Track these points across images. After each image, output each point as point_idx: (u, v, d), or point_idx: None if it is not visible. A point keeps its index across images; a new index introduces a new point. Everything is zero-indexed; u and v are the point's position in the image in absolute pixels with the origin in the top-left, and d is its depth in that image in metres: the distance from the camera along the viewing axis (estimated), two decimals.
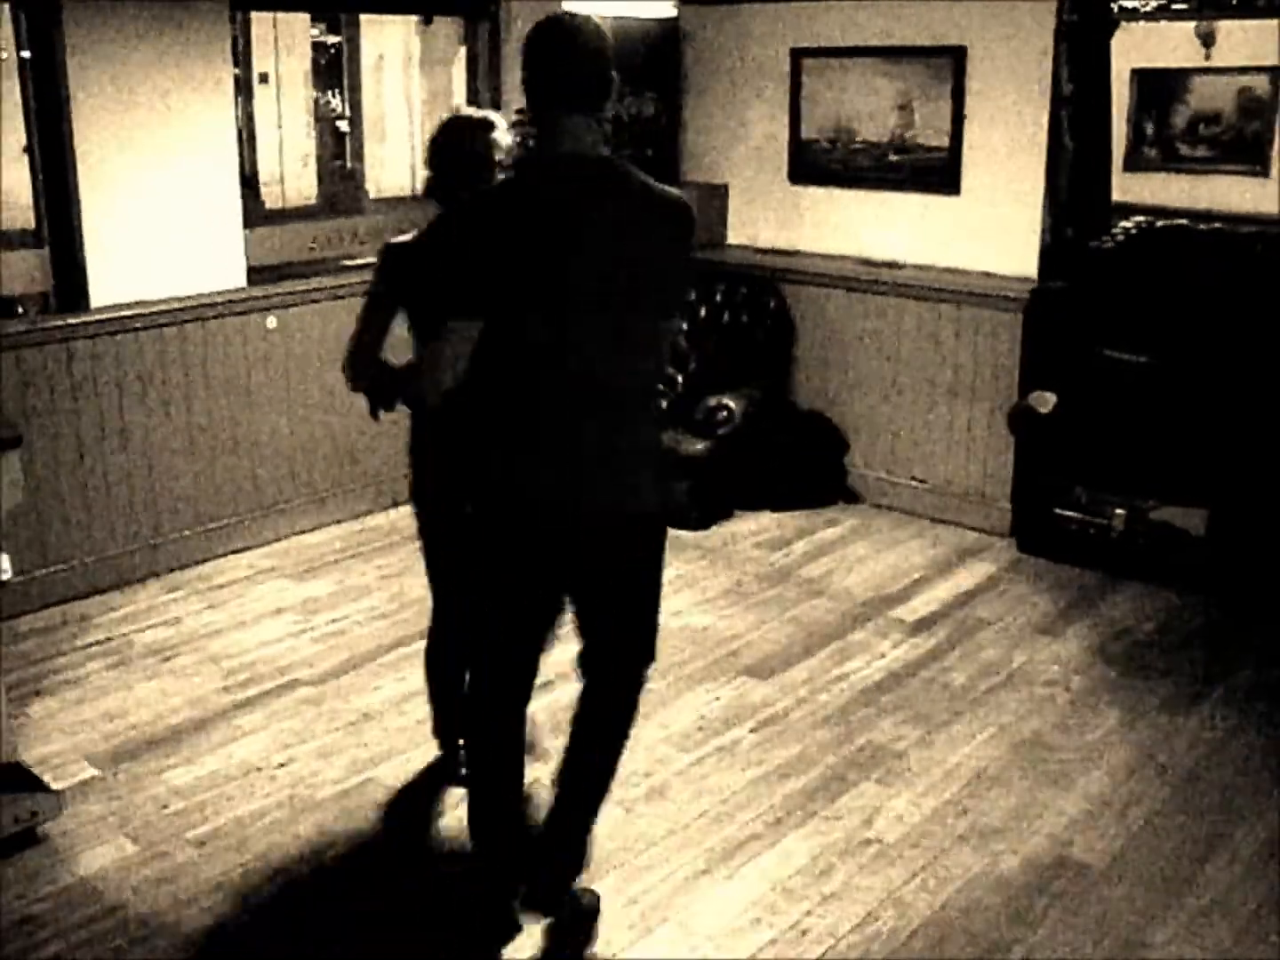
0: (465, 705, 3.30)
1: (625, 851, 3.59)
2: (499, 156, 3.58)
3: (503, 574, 3.05)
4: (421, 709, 4.34)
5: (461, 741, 3.73)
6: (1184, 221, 5.40)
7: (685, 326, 3.06)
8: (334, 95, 9.21)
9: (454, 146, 3.62)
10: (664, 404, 3.09)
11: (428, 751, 4.09)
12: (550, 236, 2.80)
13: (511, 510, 2.97)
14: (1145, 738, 4.21)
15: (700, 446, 5.93)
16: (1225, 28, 5.76)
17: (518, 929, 3.25)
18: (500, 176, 3.52)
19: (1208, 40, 5.91)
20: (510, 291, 2.83)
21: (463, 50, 6.86)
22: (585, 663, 3.29)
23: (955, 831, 3.68)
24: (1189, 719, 4.32)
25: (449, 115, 3.78)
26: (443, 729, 4.00)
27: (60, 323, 5.02)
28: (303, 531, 5.88)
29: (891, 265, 6.15)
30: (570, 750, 3.30)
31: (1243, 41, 5.67)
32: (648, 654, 3.28)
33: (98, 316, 5.10)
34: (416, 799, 3.88)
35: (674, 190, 3.01)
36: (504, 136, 3.64)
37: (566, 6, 5.87)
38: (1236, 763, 4.05)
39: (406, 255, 3.50)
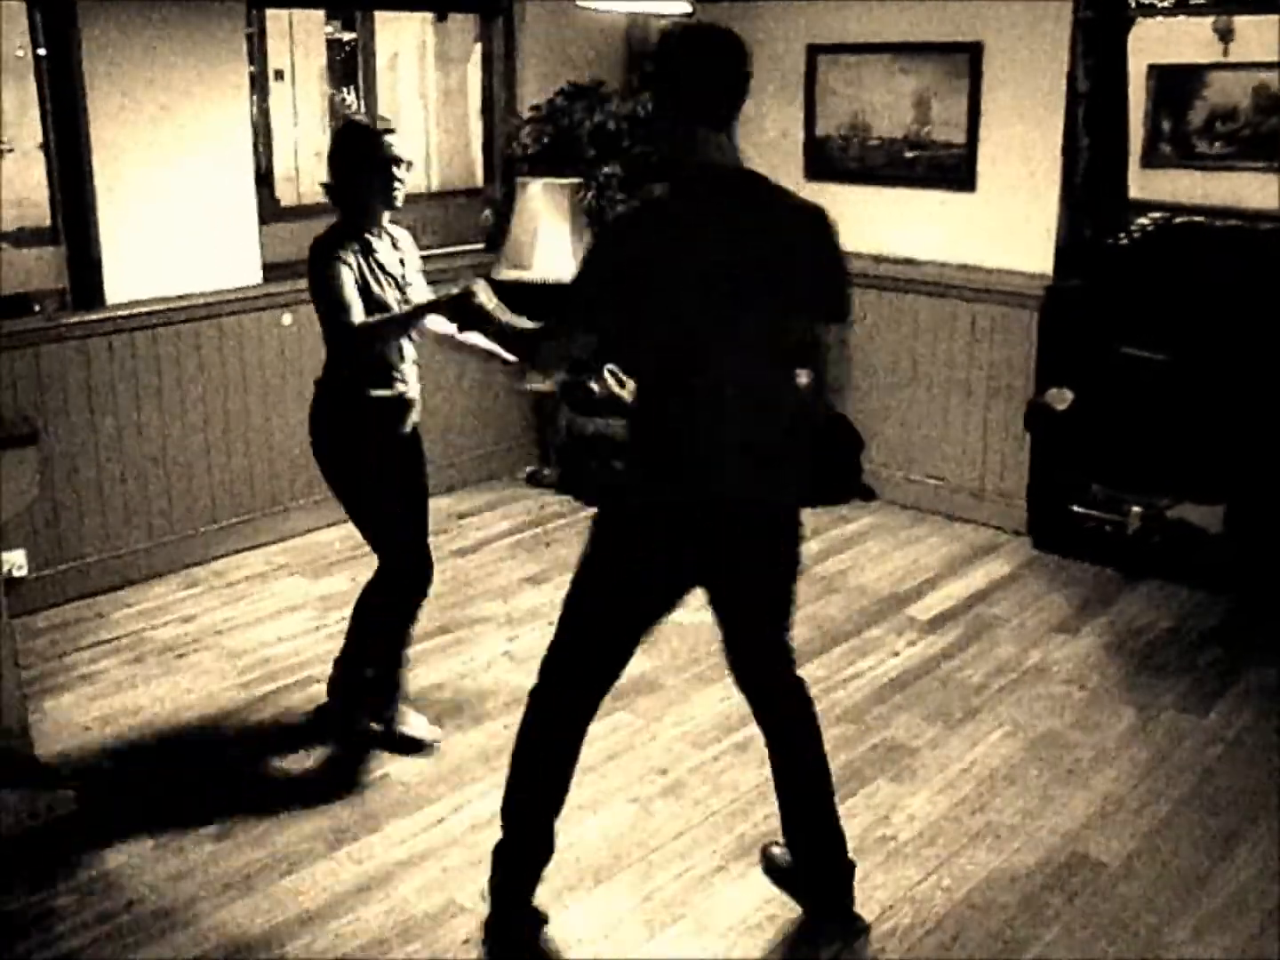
0: (540, 703, 3.27)
1: (640, 848, 3.59)
2: (397, 158, 3.81)
3: (639, 568, 3.09)
4: (437, 706, 4.35)
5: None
6: (1201, 218, 5.38)
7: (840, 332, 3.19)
8: (349, 92, 9.23)
9: (354, 149, 3.82)
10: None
11: (443, 749, 4.10)
12: (701, 248, 2.88)
13: (661, 505, 3.04)
14: (1161, 736, 4.20)
15: None
16: (1243, 23, 5.73)
17: (541, 920, 3.27)
18: (400, 179, 3.80)
19: (1225, 36, 5.89)
20: (664, 298, 2.90)
21: (478, 47, 6.87)
22: (735, 668, 3.37)
23: (970, 829, 3.67)
24: (1205, 717, 4.31)
25: (344, 121, 3.97)
26: (344, 682, 4.19)
27: (76, 320, 5.04)
28: (317, 528, 5.89)
29: (907, 262, 6.13)
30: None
31: (1261, 37, 5.64)
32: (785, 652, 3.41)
33: (113, 314, 5.11)
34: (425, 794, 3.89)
35: (809, 201, 3.07)
36: (399, 141, 3.84)
37: (581, 4, 5.87)
38: (1253, 761, 4.04)
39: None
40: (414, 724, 4.16)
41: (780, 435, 3.09)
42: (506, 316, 3.50)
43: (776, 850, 3.46)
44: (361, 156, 3.82)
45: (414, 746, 4.11)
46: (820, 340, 3.13)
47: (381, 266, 3.88)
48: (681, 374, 2.97)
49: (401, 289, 3.95)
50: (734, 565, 3.15)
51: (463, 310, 3.52)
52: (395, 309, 3.83)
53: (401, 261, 4.00)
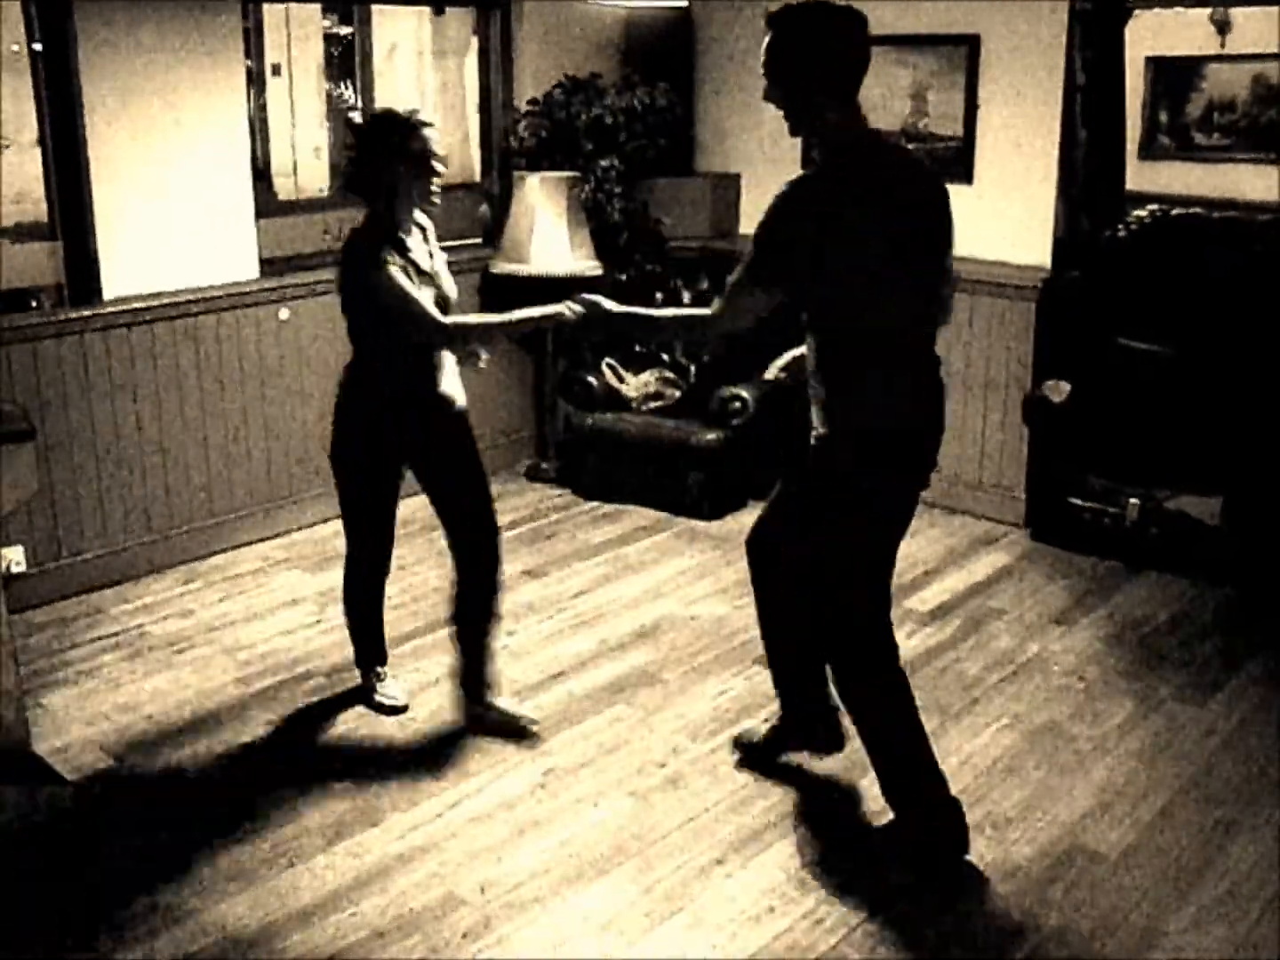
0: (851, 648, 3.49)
1: (639, 840, 3.59)
2: (433, 151, 3.73)
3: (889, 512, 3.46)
4: (436, 699, 4.36)
5: None
6: (1199, 210, 5.37)
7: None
8: (346, 86, 9.23)
9: (387, 142, 3.69)
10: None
11: (442, 742, 4.10)
12: (881, 216, 3.17)
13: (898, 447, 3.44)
14: (1160, 727, 4.20)
15: (714, 436, 5.92)
16: (1240, 14, 5.73)
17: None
18: (439, 174, 3.75)
19: (1223, 27, 5.89)
20: (858, 267, 3.14)
21: (475, 41, 6.86)
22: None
23: (970, 820, 3.66)
24: (1204, 708, 4.31)
25: (377, 111, 3.86)
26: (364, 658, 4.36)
27: (73, 315, 5.03)
28: (316, 523, 5.89)
29: None
30: None
31: (1258, 28, 5.64)
32: None
33: (111, 309, 5.11)
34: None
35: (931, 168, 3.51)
36: (437, 135, 3.76)
37: None
38: (1252, 752, 4.04)
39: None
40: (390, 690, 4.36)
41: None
42: (640, 311, 3.74)
43: (741, 736, 3.99)
44: (396, 149, 3.67)
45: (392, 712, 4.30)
46: None
47: (416, 265, 3.77)
48: (887, 337, 3.27)
49: (437, 285, 3.85)
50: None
51: (594, 324, 3.60)
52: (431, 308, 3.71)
53: (431, 255, 3.92)
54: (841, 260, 3.11)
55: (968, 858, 3.48)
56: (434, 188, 3.75)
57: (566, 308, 3.59)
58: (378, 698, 4.30)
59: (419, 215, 3.89)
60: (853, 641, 3.44)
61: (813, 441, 3.42)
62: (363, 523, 4.15)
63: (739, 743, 4.01)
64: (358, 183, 3.76)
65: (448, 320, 3.68)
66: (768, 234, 3.17)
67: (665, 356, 6.43)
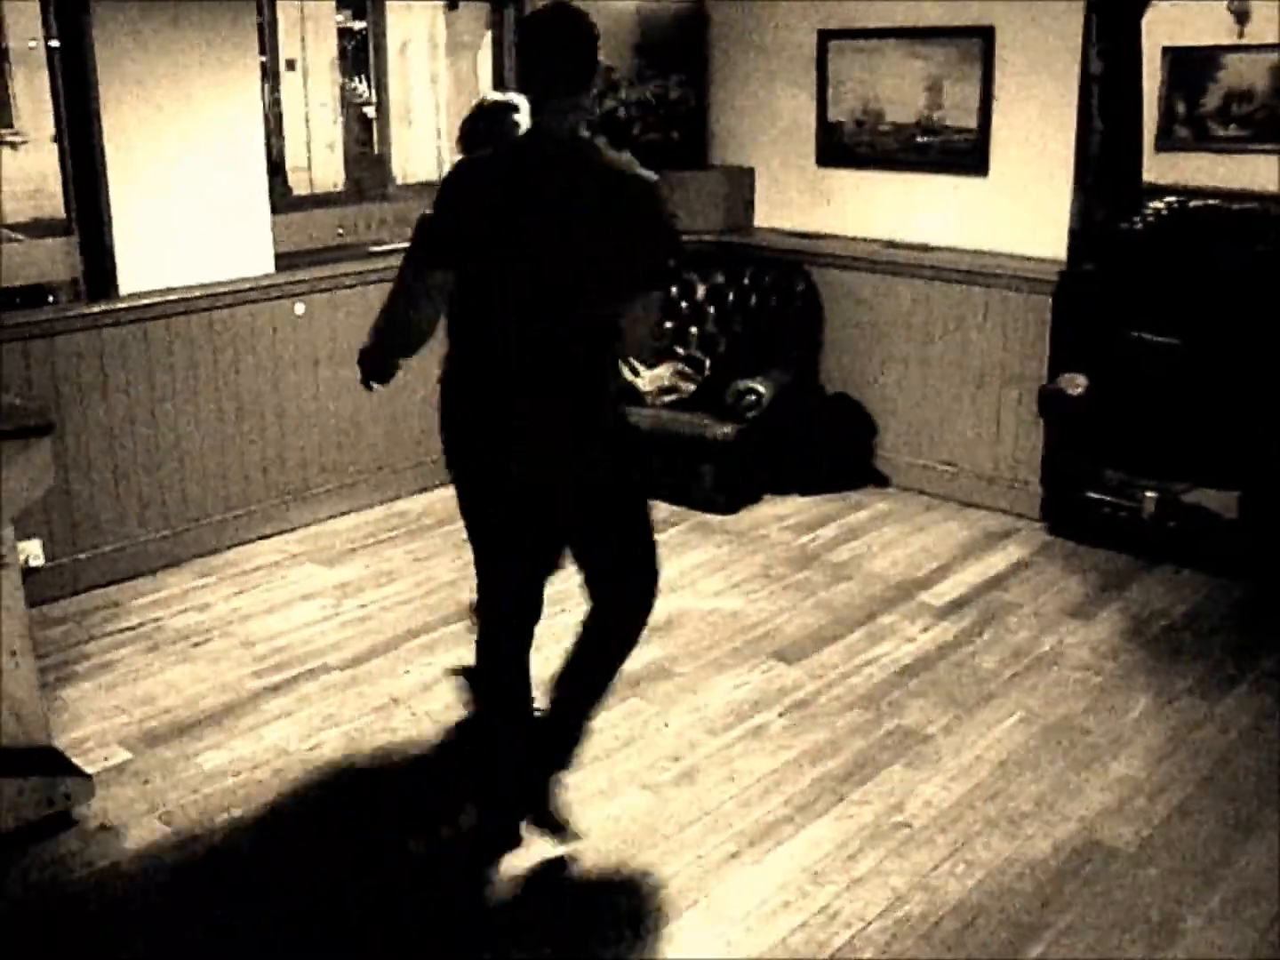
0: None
1: (654, 834, 3.59)
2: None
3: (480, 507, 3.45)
4: (450, 694, 4.36)
5: None
6: (1216, 202, 5.35)
7: (662, 300, 3.31)
8: (360, 81, 9.23)
9: (486, 128, 3.81)
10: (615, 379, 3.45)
11: (456, 737, 4.11)
12: (507, 206, 3.07)
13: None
14: (1176, 722, 4.19)
15: (728, 430, 5.92)
16: (1259, 4, 5.69)
17: (518, 840, 3.49)
18: None
19: (1241, 17, 5.85)
20: (470, 251, 3.11)
21: (488, 35, 6.85)
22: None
23: (985, 815, 3.67)
24: (1221, 703, 4.30)
25: (479, 100, 3.97)
26: None
27: (90, 310, 5.05)
28: (332, 516, 5.90)
29: (920, 248, 6.12)
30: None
31: (1276, 18, 5.60)
32: None
33: (127, 304, 5.13)
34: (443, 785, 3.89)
35: (641, 170, 3.16)
36: (525, 118, 3.75)
37: None
38: (1269, 747, 4.02)
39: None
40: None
41: (588, 407, 3.24)
42: None
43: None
44: (496, 135, 3.78)
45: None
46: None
47: None
48: (490, 330, 3.18)
49: None
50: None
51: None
52: None
53: None
54: (466, 240, 3.13)
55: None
56: None
57: None
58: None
59: None
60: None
61: None
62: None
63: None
64: None
65: None
66: (429, 220, 3.24)
67: (680, 350, 6.43)
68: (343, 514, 5.92)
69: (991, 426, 5.96)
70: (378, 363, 3.52)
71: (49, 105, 5.11)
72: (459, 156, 3.88)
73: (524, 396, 3.16)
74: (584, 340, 3.17)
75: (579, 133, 3.14)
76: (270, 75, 8.32)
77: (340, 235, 6.48)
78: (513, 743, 3.53)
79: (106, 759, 3.99)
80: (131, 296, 5.15)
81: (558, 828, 3.47)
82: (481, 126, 3.87)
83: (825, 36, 6.28)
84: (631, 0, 6.52)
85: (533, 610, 3.48)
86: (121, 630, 4.88)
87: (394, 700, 4.35)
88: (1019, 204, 5.81)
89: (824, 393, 6.48)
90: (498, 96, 3.97)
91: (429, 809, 3.74)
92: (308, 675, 4.52)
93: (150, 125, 5.10)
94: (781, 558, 5.49)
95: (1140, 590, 5.17)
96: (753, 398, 5.98)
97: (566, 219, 3.05)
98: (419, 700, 4.35)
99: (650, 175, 3.13)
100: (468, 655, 4.63)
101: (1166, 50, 5.90)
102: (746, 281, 6.45)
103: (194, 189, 5.27)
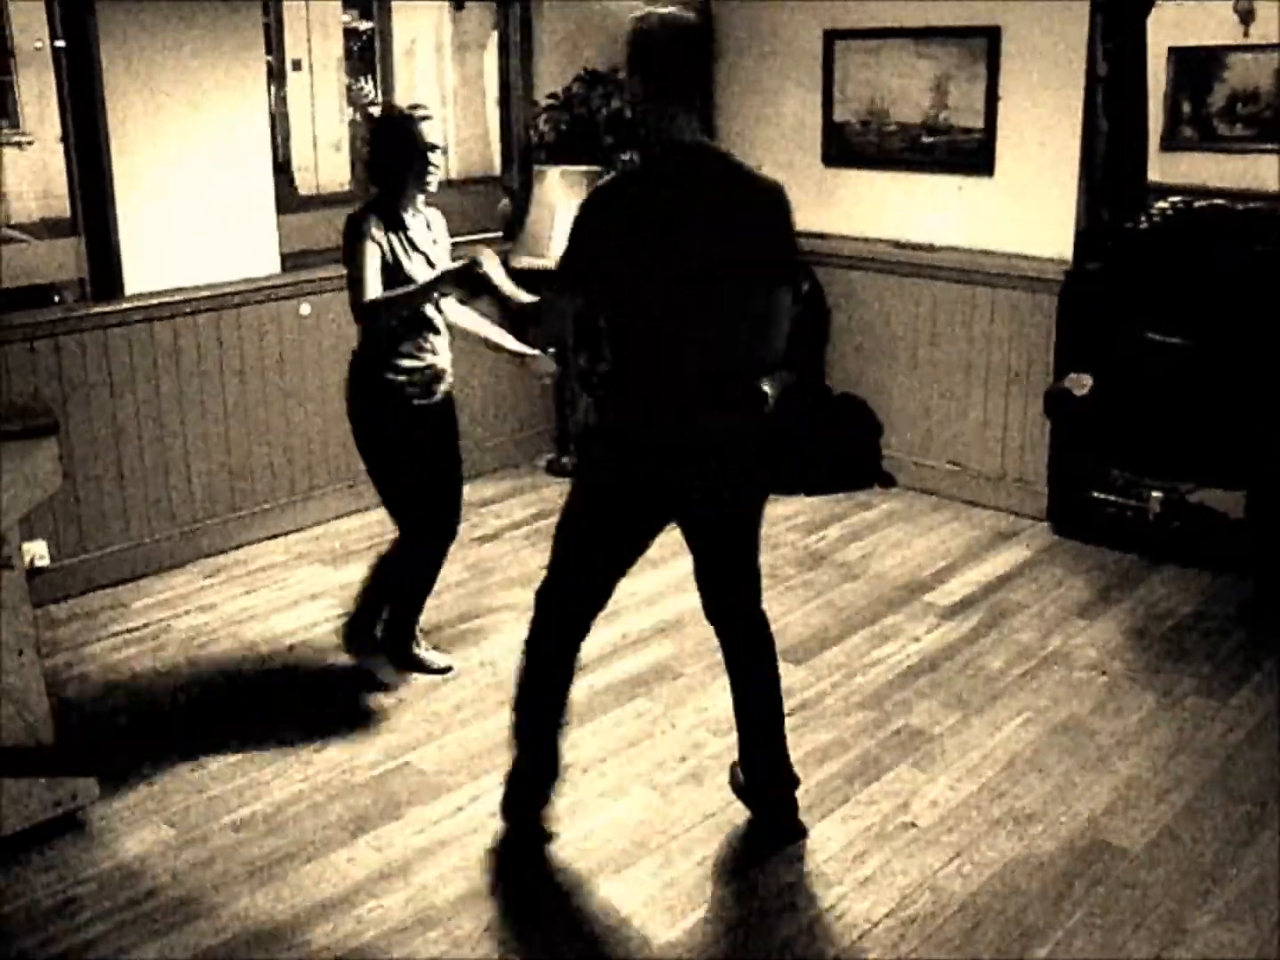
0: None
1: (661, 835, 3.59)
2: (431, 143, 4.09)
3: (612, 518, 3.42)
4: (459, 693, 4.37)
5: None
6: (1222, 201, 5.34)
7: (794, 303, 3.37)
8: (366, 81, 9.25)
9: (391, 136, 4.09)
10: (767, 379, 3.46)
11: (463, 736, 4.11)
12: (667, 220, 3.12)
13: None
14: (1183, 721, 4.18)
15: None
16: (1264, 4, 5.69)
17: (548, 837, 3.56)
18: (435, 164, 4.08)
19: (1246, 17, 5.84)
20: (627, 267, 3.15)
21: (495, 35, 6.86)
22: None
23: (991, 816, 3.67)
24: (1227, 702, 4.29)
25: (381, 110, 4.27)
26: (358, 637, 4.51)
27: (96, 311, 5.05)
28: (337, 517, 5.90)
29: (926, 248, 6.11)
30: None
31: None
32: None
33: (132, 304, 5.13)
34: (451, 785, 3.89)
35: (766, 177, 3.30)
36: (432, 128, 4.11)
37: None
38: (1276, 746, 4.02)
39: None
40: (430, 658, 4.56)
41: (740, 411, 3.31)
42: (509, 289, 3.77)
43: (738, 769, 3.74)
44: (400, 144, 4.06)
45: (437, 673, 4.51)
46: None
47: (413, 243, 4.12)
48: (651, 343, 3.23)
49: (432, 265, 4.16)
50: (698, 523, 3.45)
51: (467, 279, 3.80)
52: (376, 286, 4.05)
53: (434, 242, 4.25)
54: (616, 263, 3.18)
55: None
56: (433, 177, 4.12)
57: (457, 265, 3.88)
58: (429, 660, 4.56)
59: (426, 209, 4.24)
60: (542, 598, 3.58)
61: None
62: (419, 510, 4.36)
63: (733, 771, 3.83)
64: (375, 173, 4.16)
65: (368, 295, 3.96)
66: (567, 244, 3.26)
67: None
68: (348, 514, 5.92)
69: (997, 427, 5.96)
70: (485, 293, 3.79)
71: (55, 105, 5.12)
72: (364, 161, 4.23)
73: (692, 406, 3.24)
74: (737, 347, 3.24)
75: (701, 139, 3.25)
76: (276, 75, 8.35)
77: None
78: (541, 737, 3.58)
79: (112, 759, 3.99)
80: (137, 297, 5.15)
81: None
82: (396, 137, 4.07)
83: (831, 37, 6.27)
84: (638, 1, 6.51)
85: (600, 608, 3.57)
86: (127, 631, 4.88)
87: (400, 700, 4.35)
88: (1025, 203, 5.81)
89: (830, 393, 6.47)
90: (401, 107, 4.17)
91: (436, 810, 3.74)
92: (314, 676, 4.52)
93: (156, 125, 5.11)
94: (788, 558, 5.49)
95: (1146, 590, 5.16)
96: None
97: (718, 224, 3.13)
98: (426, 701, 4.35)
99: (776, 181, 3.27)
100: (472, 656, 4.64)
101: (1172, 50, 5.90)
102: None
103: (200, 189, 5.28)
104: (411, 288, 4.05)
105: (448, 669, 4.54)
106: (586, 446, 3.45)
